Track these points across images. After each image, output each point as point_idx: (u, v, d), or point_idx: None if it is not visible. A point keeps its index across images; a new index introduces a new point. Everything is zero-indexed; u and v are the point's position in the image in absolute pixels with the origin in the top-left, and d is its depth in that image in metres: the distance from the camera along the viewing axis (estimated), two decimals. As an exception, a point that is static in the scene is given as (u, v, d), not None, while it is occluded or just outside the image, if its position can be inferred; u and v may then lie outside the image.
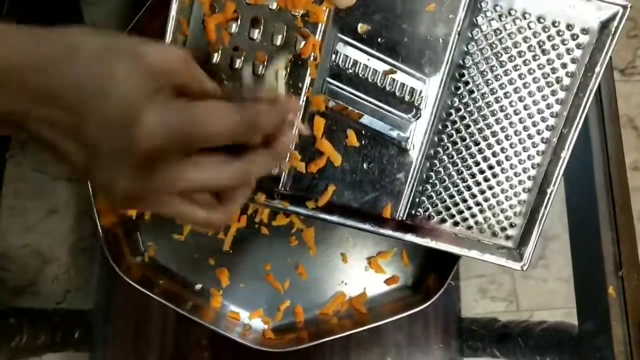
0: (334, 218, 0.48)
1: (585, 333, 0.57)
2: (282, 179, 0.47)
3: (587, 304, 0.58)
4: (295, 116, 0.42)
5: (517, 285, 0.71)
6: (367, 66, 0.44)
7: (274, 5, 0.42)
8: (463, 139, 0.46)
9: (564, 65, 0.44)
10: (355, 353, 0.55)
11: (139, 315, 0.53)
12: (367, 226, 0.48)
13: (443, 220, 0.48)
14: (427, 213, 0.48)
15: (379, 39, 0.44)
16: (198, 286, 0.53)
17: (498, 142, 0.46)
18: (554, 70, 0.44)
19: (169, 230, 0.53)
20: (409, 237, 0.48)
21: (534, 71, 0.44)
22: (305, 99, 0.45)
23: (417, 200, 0.48)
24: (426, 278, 0.56)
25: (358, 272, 0.56)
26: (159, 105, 0.29)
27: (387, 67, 0.44)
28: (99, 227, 0.49)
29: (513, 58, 0.44)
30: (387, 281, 0.56)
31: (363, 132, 0.46)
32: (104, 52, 0.29)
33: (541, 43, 0.43)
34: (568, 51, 0.43)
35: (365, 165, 0.47)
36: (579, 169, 0.59)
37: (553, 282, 0.66)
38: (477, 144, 0.46)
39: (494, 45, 0.44)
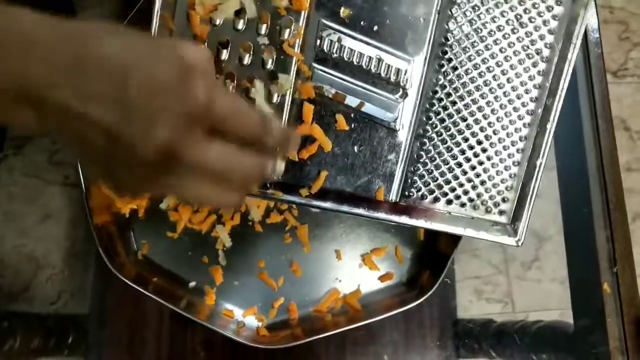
0: (328, 205, 0.48)
1: (581, 329, 0.57)
2: (274, 167, 0.47)
3: (582, 301, 0.58)
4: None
5: (512, 287, 0.70)
6: (352, 50, 0.46)
7: (259, -6, 0.44)
8: (450, 116, 0.47)
9: (542, 37, 0.45)
10: (351, 351, 0.54)
11: (134, 318, 0.52)
12: (361, 210, 0.48)
13: (436, 199, 0.48)
14: (419, 193, 0.48)
15: (362, 22, 0.45)
16: (192, 284, 0.52)
17: (485, 116, 0.47)
18: (532, 42, 0.46)
19: (163, 228, 0.52)
20: (403, 220, 0.48)
21: (514, 44, 0.46)
22: (293, 85, 0.46)
23: (409, 180, 0.48)
24: (420, 274, 0.56)
25: (352, 269, 0.56)
26: (205, 79, 0.30)
27: (372, 50, 0.46)
28: (92, 225, 0.48)
29: (493, 33, 0.45)
30: (382, 278, 0.56)
31: (352, 115, 0.47)
32: (141, 36, 0.30)
33: (518, 16, 0.45)
34: (545, 23, 0.45)
35: (356, 149, 0.47)
36: (573, 168, 0.60)
37: (548, 284, 0.66)
38: (464, 119, 0.47)
39: (474, 22, 0.45)
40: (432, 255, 0.55)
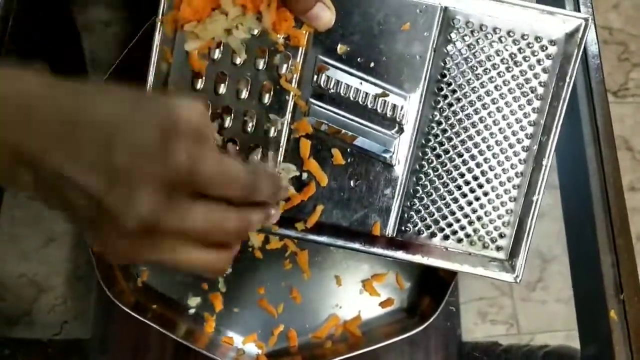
0: (324, 239, 0.48)
1: (588, 358, 0.56)
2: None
3: (589, 328, 0.57)
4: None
5: (517, 309, 0.70)
6: (348, 85, 0.46)
7: (256, 32, 0.44)
8: (446, 152, 0.47)
9: (536, 76, 0.45)
10: (355, 379, 0.54)
11: (137, 343, 0.53)
12: (357, 245, 0.48)
13: (433, 235, 0.48)
14: (416, 228, 0.48)
15: (359, 59, 0.45)
16: (191, 311, 0.53)
17: (481, 152, 0.47)
18: (527, 80, 0.45)
19: (163, 255, 0.53)
20: (400, 255, 0.48)
21: (509, 82, 0.45)
22: (289, 120, 0.46)
23: (405, 215, 0.48)
24: (421, 301, 0.56)
25: (352, 295, 0.56)
26: (189, 141, 0.30)
27: (368, 86, 0.46)
28: (91, 252, 0.49)
29: (488, 70, 0.45)
30: (382, 304, 0.56)
31: (348, 150, 0.47)
32: (132, 97, 0.31)
33: (513, 55, 0.45)
34: (539, 62, 0.45)
35: (352, 183, 0.48)
36: (576, 192, 0.60)
37: (553, 304, 0.65)
38: (460, 155, 0.47)
39: (469, 60, 0.45)
40: (433, 282, 0.55)
